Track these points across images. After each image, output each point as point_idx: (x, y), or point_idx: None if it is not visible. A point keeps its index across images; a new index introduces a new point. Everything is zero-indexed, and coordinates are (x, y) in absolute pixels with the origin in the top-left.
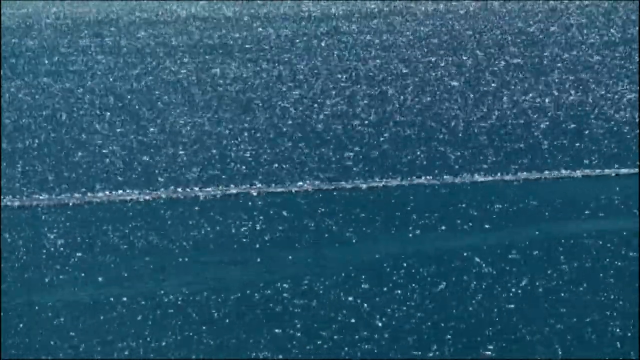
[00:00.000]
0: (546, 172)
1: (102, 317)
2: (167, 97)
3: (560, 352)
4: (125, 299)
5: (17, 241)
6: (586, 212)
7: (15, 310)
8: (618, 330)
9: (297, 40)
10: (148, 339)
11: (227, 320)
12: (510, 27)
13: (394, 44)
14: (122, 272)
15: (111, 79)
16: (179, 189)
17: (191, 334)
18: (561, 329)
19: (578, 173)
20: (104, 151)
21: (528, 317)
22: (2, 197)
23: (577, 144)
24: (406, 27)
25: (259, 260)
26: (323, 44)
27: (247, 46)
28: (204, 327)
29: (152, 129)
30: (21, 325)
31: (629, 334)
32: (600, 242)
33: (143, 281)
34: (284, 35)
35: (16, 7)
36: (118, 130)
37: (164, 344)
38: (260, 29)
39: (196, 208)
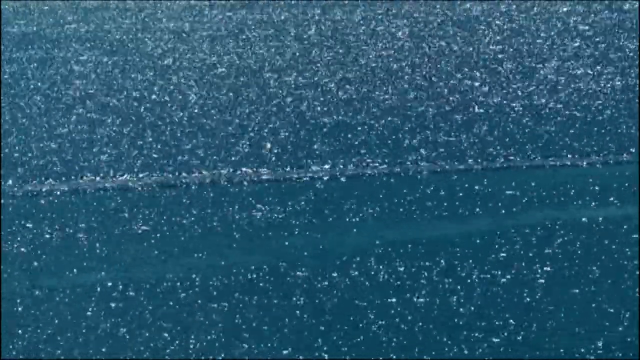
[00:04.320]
0: (550, 159)
1: (103, 302)
2: (159, 84)
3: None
4: (127, 283)
5: (20, 228)
6: (587, 198)
7: (20, 294)
8: (621, 316)
9: (290, 25)
10: (150, 322)
11: (229, 304)
12: (508, 15)
13: (388, 32)
14: (123, 257)
15: (102, 69)
16: (183, 174)
17: (193, 317)
18: (567, 312)
19: (579, 161)
20: (105, 138)
21: (537, 300)
22: (2, 184)
23: (579, 133)
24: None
25: (259, 245)
26: (314, 29)
27: (236, 31)
28: (206, 311)
29: (149, 116)
30: (25, 309)
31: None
32: (603, 227)
33: (144, 266)
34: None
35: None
36: (118, 118)
37: (168, 326)
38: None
39: (196, 194)
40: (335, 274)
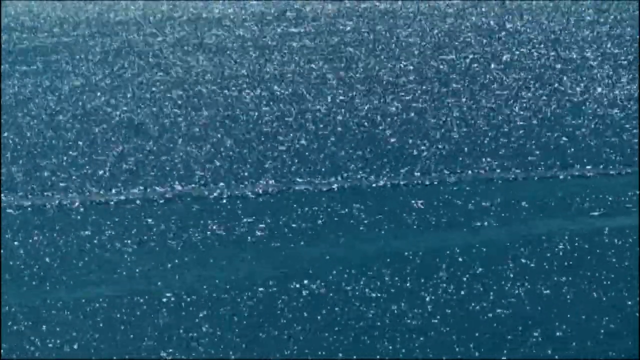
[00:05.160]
0: (560, 169)
1: (111, 314)
2: (163, 96)
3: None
4: (135, 295)
5: (32, 241)
6: (598, 208)
7: (30, 307)
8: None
9: (290, 39)
10: (159, 335)
11: (239, 316)
12: (506, 25)
13: (391, 43)
14: (131, 270)
15: (104, 79)
16: (192, 187)
17: (203, 329)
18: (568, 323)
19: (590, 171)
20: (112, 152)
21: (540, 309)
22: (1, 197)
23: (577, 143)
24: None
25: (269, 257)
26: (319, 42)
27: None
28: (216, 323)
29: (157, 128)
30: (36, 322)
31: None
32: (614, 237)
33: (153, 279)
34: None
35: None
36: (125, 130)
37: (178, 339)
38: (254, 28)
39: (205, 206)
40: (343, 285)
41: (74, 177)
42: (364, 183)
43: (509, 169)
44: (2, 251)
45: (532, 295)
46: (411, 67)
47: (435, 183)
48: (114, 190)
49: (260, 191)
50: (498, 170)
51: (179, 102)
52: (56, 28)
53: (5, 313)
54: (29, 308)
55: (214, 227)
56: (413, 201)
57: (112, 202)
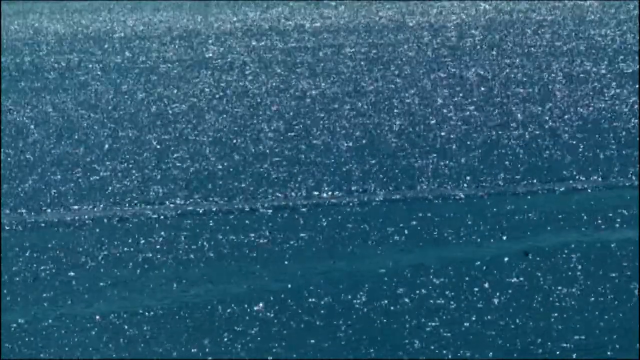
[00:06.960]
0: (564, 183)
1: (121, 329)
2: (165, 112)
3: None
4: (146, 310)
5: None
6: (587, 222)
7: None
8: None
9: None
10: (171, 348)
11: (249, 329)
12: (511, 38)
13: (395, 57)
14: (141, 285)
15: (107, 93)
16: (203, 203)
17: (213, 342)
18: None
19: (594, 184)
20: (121, 167)
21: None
22: (3, 212)
23: (577, 156)
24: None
25: (280, 271)
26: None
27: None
28: (227, 336)
29: (162, 146)
30: (43, 335)
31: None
32: (618, 250)
33: (164, 293)
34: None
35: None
36: (133, 148)
37: (189, 351)
38: (254, 43)
39: (215, 221)
40: (354, 298)
41: (82, 193)
42: (370, 198)
43: (517, 183)
44: (5, 267)
45: (539, 305)
46: (416, 85)
47: (443, 198)
48: (126, 206)
49: (269, 207)
50: (507, 185)
51: (183, 117)
52: (56, 44)
53: (15, 328)
54: (40, 323)
55: (225, 242)
56: (421, 216)
57: (123, 218)
